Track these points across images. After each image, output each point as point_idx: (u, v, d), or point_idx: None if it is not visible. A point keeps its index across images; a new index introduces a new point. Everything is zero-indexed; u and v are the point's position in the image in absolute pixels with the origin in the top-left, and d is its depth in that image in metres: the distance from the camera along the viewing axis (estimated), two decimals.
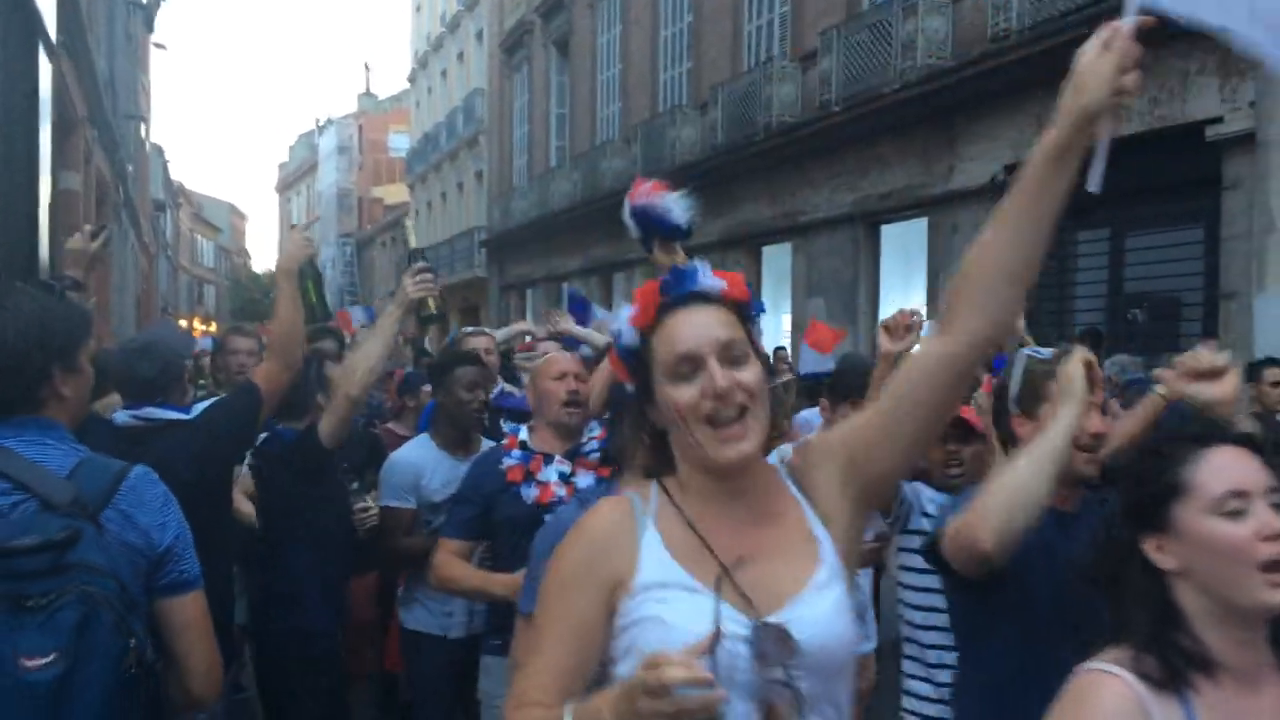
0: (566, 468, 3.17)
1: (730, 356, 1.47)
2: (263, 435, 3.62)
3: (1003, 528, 1.99)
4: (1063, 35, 8.84)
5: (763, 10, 14.65)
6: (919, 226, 11.47)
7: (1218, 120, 7.80)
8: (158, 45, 28.24)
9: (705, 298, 1.52)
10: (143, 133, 26.37)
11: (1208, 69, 7.86)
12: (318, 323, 3.87)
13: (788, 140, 13.17)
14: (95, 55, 11.40)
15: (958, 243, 10.74)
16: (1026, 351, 2.45)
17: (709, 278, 1.55)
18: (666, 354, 1.49)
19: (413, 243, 3.65)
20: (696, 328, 1.48)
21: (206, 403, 3.46)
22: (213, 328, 61.26)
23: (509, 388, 5.21)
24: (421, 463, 3.78)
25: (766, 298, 16.20)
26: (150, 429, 3.06)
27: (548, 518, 2.81)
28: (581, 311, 6.88)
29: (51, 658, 1.70)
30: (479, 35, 29.08)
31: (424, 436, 3.95)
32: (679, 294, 1.53)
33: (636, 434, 1.65)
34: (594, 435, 3.28)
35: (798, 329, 13.61)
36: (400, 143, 44.01)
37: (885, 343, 3.08)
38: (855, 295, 12.42)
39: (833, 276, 12.82)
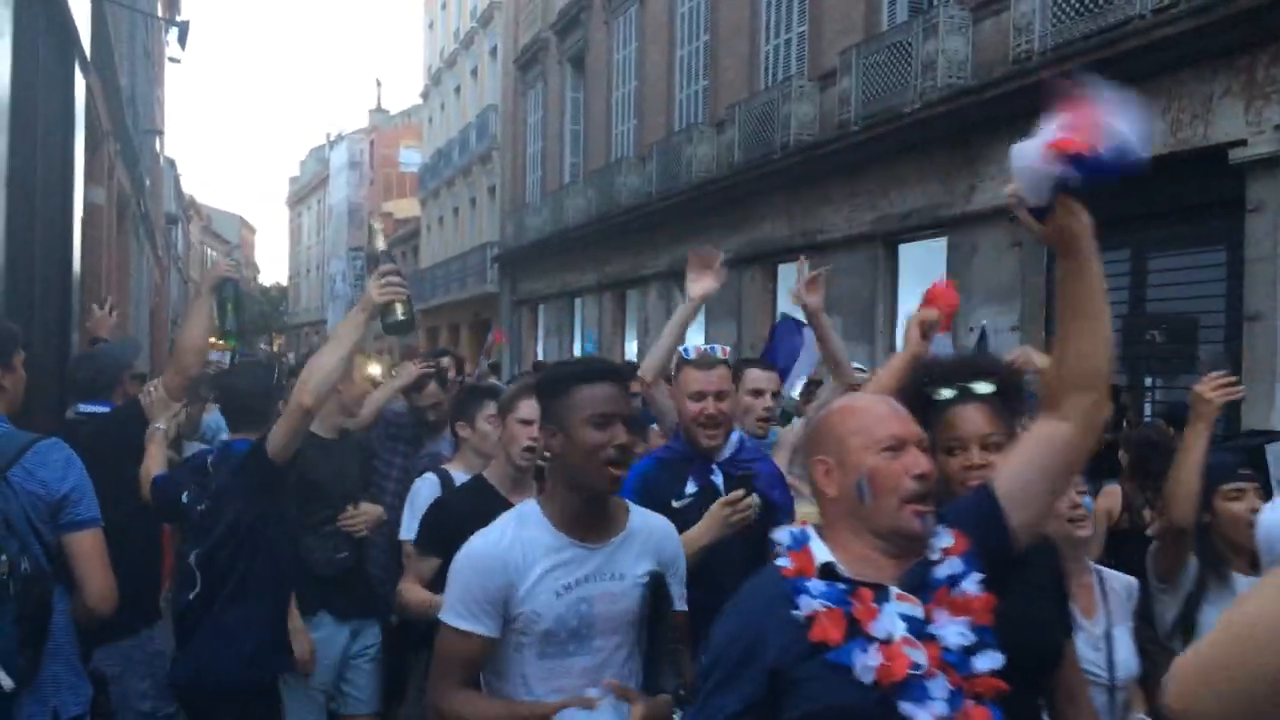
0: (916, 609, 1.79)
1: None
2: (216, 448, 3.94)
3: None
4: (1085, 57, 8.89)
5: (780, 30, 14.73)
6: (938, 246, 11.49)
7: (1241, 143, 7.81)
8: (172, 60, 28.42)
9: None
10: (158, 146, 26.52)
11: (1232, 91, 7.88)
12: (229, 340, 4.30)
13: (806, 159, 13.21)
14: (120, 71, 11.49)
15: (977, 263, 10.76)
16: None
17: None
18: None
19: (379, 244, 3.44)
20: None
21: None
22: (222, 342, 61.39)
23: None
24: (520, 556, 2.30)
25: (783, 316, 16.19)
26: (80, 421, 3.98)
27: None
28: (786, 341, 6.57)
29: None
30: (493, 52, 29.24)
31: (527, 507, 2.41)
32: None
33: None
34: None
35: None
36: (411, 158, 44.19)
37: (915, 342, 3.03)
38: (873, 314, 12.43)
39: (851, 295, 12.83)
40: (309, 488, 3.84)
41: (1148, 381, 9.42)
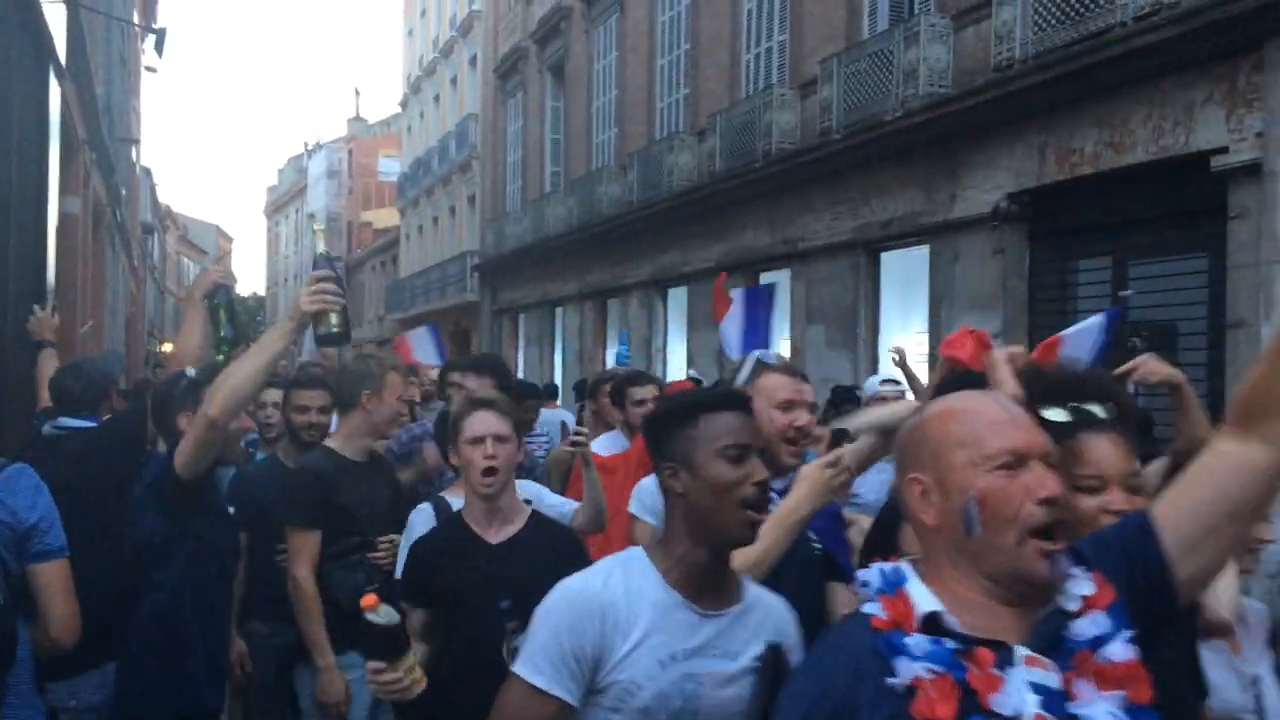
0: (1051, 677, 1.42)
1: None
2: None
3: None
4: (1067, 65, 8.92)
5: (761, 39, 14.73)
6: (920, 254, 11.50)
7: (1223, 150, 7.84)
8: (149, 69, 28.23)
9: None
10: (134, 155, 26.31)
11: (1214, 99, 7.91)
12: (224, 348, 3.91)
13: (787, 167, 13.21)
14: (96, 79, 11.36)
15: (959, 271, 10.77)
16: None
17: None
18: None
19: (319, 247, 3.05)
20: None
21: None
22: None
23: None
24: (626, 609, 1.92)
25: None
26: (63, 436, 3.71)
27: None
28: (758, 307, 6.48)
29: None
30: (472, 61, 29.18)
31: (634, 555, 2.02)
32: None
33: None
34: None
35: (795, 355, 13.61)
36: (390, 167, 44.09)
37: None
38: (855, 322, 12.43)
39: (833, 303, 12.84)
40: (333, 514, 3.59)
41: (1129, 389, 9.43)
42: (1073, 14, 8.91)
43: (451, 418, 3.07)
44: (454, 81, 31.69)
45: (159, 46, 12.61)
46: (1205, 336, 8.47)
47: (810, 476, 2.41)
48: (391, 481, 3.98)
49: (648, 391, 5.00)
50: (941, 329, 11.01)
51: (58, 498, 2.65)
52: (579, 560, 2.74)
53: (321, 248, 3.03)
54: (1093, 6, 8.71)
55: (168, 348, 34.72)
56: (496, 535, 2.87)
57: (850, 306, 12.52)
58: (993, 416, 1.52)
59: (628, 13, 18.83)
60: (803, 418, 2.65)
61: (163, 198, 46.63)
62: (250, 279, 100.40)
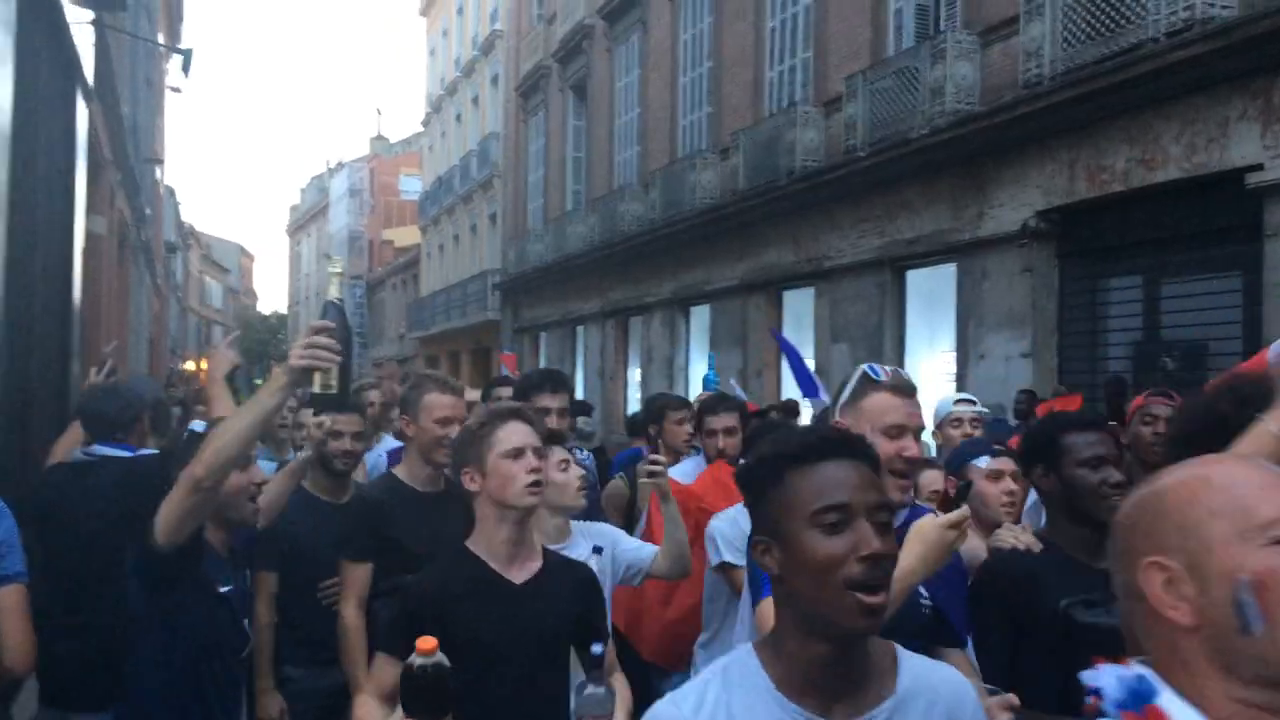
0: None
1: None
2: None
3: None
4: (1097, 81, 8.82)
5: (784, 56, 14.69)
6: (947, 272, 11.39)
7: (1258, 167, 7.71)
8: (173, 89, 28.50)
9: None
10: (158, 175, 26.52)
11: (1249, 115, 7.79)
12: None
13: (812, 185, 13.13)
14: (121, 99, 11.43)
15: (987, 289, 10.66)
16: None
17: None
18: None
19: (333, 292, 2.56)
20: None
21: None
22: None
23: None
24: None
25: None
26: (93, 463, 3.59)
27: None
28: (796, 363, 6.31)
29: None
30: (494, 80, 29.30)
31: (741, 658, 1.69)
32: None
33: None
34: None
35: (820, 373, 13.48)
36: (412, 185, 44.34)
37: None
38: (881, 341, 12.31)
39: (858, 322, 12.73)
40: (386, 546, 3.24)
41: None
42: (1103, 30, 8.81)
43: (474, 430, 2.60)
44: (475, 100, 31.83)
45: (185, 67, 12.70)
46: (1240, 358, 8.30)
47: (929, 538, 1.98)
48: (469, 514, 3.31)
49: (722, 421, 4.26)
50: (969, 348, 10.89)
51: (81, 526, 2.58)
52: (600, 603, 2.64)
53: (335, 293, 2.58)
54: (1123, 22, 8.61)
55: (189, 366, 34.94)
56: (520, 573, 2.49)
57: (876, 325, 12.41)
58: (1259, 480, 1.19)
59: (650, 31, 18.85)
60: (911, 447, 2.22)
61: (185, 217, 47.03)
62: (272, 297, 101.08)
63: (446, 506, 3.24)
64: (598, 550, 2.85)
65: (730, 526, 3.14)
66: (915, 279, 12.27)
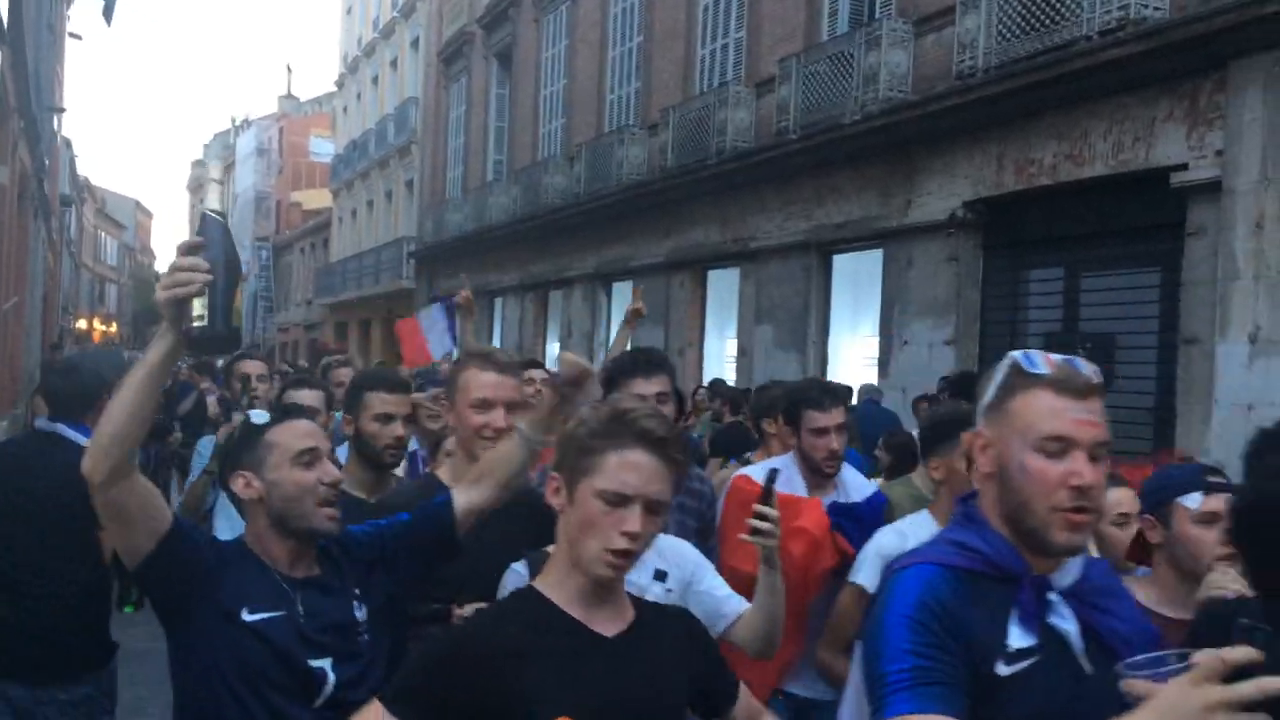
0: None
1: None
2: None
3: None
4: (1029, 76, 8.97)
5: (717, 34, 14.64)
6: (873, 258, 11.52)
7: (1183, 167, 7.94)
8: (73, 35, 27.19)
9: None
10: (56, 125, 25.31)
11: (1175, 116, 8.01)
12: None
13: (741, 165, 13.14)
14: (28, 45, 10.84)
15: (912, 277, 10.81)
16: None
17: None
18: None
19: (210, 202, 1.97)
20: None
21: None
22: (113, 328, 59.30)
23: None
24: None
25: (711, 322, 16.13)
26: (55, 440, 3.45)
27: None
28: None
29: None
30: (414, 43, 28.64)
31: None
32: None
33: None
34: None
35: (743, 354, 13.58)
36: (323, 148, 43.14)
37: None
38: (805, 324, 12.42)
39: (783, 304, 12.81)
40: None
41: None
42: (1037, 25, 8.96)
43: (579, 437, 1.80)
44: (394, 64, 31.08)
45: (108, 13, 12.07)
46: (1155, 351, 8.59)
47: (1176, 705, 1.20)
48: (537, 528, 2.43)
49: (831, 418, 3.46)
50: (893, 334, 11.05)
51: (43, 504, 2.44)
52: (722, 662, 2.00)
53: (214, 204, 1.91)
54: (1057, 19, 8.76)
55: (81, 325, 33.50)
56: (611, 626, 1.81)
57: (801, 308, 12.50)
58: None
59: (580, 2, 18.60)
60: (1084, 471, 1.59)
61: (81, 169, 45.09)
62: (170, 256, 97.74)
63: (501, 520, 2.47)
64: (660, 577, 2.29)
65: (897, 540, 2.89)
66: (841, 263, 12.39)
